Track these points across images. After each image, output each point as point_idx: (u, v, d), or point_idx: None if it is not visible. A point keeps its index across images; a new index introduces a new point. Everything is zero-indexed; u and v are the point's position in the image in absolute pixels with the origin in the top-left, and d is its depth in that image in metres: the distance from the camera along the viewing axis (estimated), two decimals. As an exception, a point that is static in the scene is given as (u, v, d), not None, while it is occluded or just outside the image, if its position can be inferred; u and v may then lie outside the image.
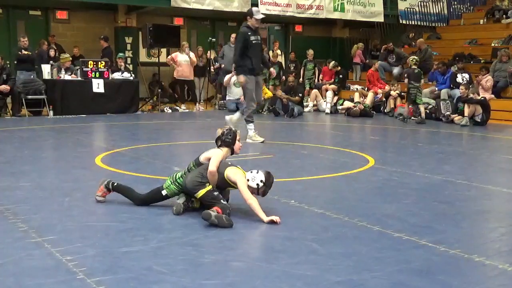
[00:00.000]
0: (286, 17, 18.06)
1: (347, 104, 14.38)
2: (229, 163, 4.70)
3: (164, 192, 4.67)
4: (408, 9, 19.56)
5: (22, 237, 3.80)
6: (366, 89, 15.31)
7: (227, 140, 4.71)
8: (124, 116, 12.79)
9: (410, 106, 12.74)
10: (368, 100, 14.43)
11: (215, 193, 4.38)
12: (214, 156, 4.56)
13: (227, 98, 14.86)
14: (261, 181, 4.43)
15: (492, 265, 3.41)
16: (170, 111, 14.34)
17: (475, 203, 5.13)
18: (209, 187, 4.41)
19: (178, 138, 10.04)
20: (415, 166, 6.84)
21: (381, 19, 19.22)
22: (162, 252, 3.55)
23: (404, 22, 19.56)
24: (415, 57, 13.51)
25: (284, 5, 17.24)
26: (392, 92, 14.12)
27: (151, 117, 13.08)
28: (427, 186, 5.75)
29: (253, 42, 8.70)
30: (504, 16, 18.10)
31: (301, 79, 16.25)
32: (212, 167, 4.46)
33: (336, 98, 15.06)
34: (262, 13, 9.03)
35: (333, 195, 5.45)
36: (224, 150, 4.70)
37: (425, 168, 6.69)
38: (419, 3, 19.73)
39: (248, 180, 4.44)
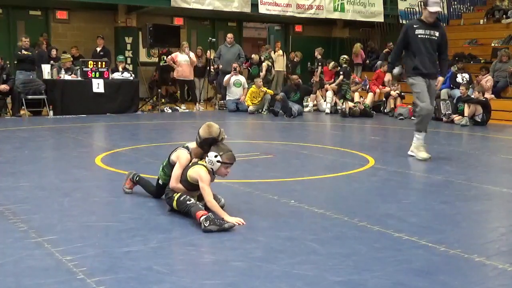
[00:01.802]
0: (286, 17, 18.08)
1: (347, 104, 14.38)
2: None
3: (160, 181, 4.74)
4: (408, 9, 19.58)
5: (22, 237, 3.79)
6: (368, 88, 15.30)
7: (204, 148, 4.45)
8: (124, 116, 12.79)
9: (409, 107, 12.77)
10: (368, 100, 14.44)
11: (181, 198, 4.29)
12: (175, 169, 4.44)
13: (227, 98, 14.88)
14: (215, 156, 4.27)
15: (492, 265, 3.41)
16: (170, 111, 14.34)
17: (475, 203, 5.13)
18: (176, 196, 4.34)
19: (178, 138, 10.03)
20: (415, 166, 6.84)
21: (381, 19, 19.23)
22: (162, 252, 3.55)
23: (404, 22, 19.55)
24: (345, 56, 15.47)
25: (284, 5, 17.26)
26: (392, 92, 14.13)
27: (151, 117, 13.08)
28: (426, 187, 5.75)
29: (419, 37, 7.41)
30: (504, 16, 18.11)
31: (316, 78, 16.11)
32: (172, 183, 4.43)
33: (336, 98, 15.07)
34: (437, 8, 7.62)
35: (333, 195, 5.45)
36: (194, 152, 4.52)
37: (425, 168, 6.69)
38: (419, 3, 19.67)
39: (211, 169, 4.32)
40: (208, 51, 15.87)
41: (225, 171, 4.37)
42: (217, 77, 15.73)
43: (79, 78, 13.03)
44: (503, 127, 11.92)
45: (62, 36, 16.30)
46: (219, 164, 4.29)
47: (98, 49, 15.03)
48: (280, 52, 17.58)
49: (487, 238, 4.13)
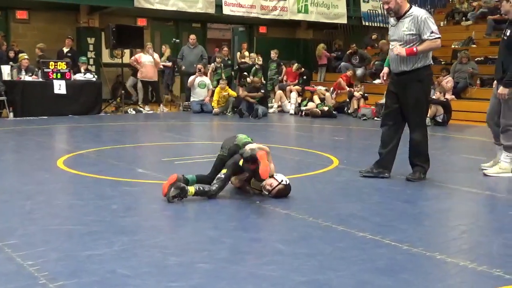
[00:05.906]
0: (250, 18, 18.09)
1: (311, 105, 14.48)
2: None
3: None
4: (371, 11, 19.84)
5: (-19, 242, 3.71)
6: (333, 90, 15.41)
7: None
8: (86, 117, 12.62)
9: (372, 107, 12.99)
10: (328, 101, 14.54)
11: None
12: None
13: (191, 99, 14.80)
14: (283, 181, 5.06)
15: (453, 263, 3.48)
16: (133, 112, 14.20)
17: (436, 202, 5.23)
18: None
19: (143, 140, 9.95)
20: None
21: (344, 20, 19.42)
22: (126, 255, 3.51)
23: (366, 23, 19.81)
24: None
25: (248, 6, 17.28)
26: (356, 93, 14.28)
27: (114, 119, 12.93)
28: (390, 186, 5.82)
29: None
30: (463, 18, 18.50)
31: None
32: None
33: (300, 99, 15.16)
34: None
35: (298, 196, 5.46)
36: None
37: (388, 168, 6.76)
38: (381, 5, 19.97)
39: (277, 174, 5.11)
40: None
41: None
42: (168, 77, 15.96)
43: (40, 79, 12.80)
44: (463, 127, 12.17)
45: (22, 36, 15.97)
46: (278, 181, 5.12)
47: (65, 49, 14.81)
48: (247, 53, 17.58)
49: (448, 236, 4.21)
